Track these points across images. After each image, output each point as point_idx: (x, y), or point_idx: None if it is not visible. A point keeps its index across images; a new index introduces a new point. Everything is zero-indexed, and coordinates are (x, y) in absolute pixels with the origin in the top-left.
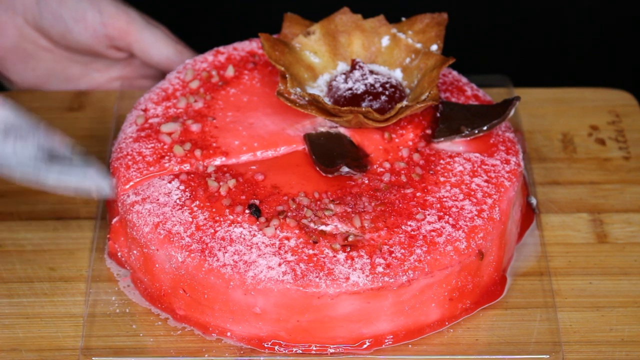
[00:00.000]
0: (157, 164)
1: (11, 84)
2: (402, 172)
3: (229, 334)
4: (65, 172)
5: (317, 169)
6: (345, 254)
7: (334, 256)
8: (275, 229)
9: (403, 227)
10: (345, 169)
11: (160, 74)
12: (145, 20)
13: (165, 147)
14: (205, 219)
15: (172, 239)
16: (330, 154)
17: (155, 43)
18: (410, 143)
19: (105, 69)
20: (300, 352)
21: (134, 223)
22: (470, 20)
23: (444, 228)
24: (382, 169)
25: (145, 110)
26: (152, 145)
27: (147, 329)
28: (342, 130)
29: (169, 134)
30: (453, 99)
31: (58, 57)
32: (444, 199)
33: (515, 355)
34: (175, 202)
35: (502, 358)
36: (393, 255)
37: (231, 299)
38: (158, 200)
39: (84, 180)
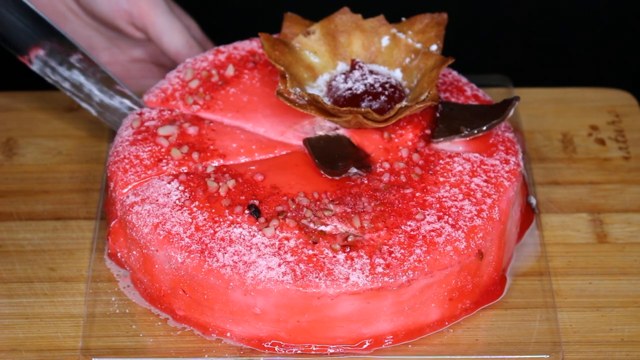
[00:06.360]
0: (155, 167)
1: None
2: (402, 172)
3: (228, 334)
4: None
5: (323, 172)
6: (345, 254)
7: (334, 256)
8: (275, 229)
9: (403, 227)
10: (353, 170)
11: (174, 64)
12: (169, 7)
13: (163, 150)
14: (204, 219)
15: (171, 240)
16: (332, 157)
17: (169, 31)
18: (410, 143)
19: (128, 48)
20: (300, 352)
21: (133, 224)
22: (470, 20)
23: (443, 228)
24: (381, 169)
25: (140, 114)
26: (149, 148)
27: (147, 329)
28: (341, 131)
29: (166, 137)
30: (453, 99)
31: (85, 24)
32: (444, 199)
33: (515, 355)
34: (175, 202)
35: (502, 358)
36: (393, 255)
37: (231, 300)
38: (157, 200)
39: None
